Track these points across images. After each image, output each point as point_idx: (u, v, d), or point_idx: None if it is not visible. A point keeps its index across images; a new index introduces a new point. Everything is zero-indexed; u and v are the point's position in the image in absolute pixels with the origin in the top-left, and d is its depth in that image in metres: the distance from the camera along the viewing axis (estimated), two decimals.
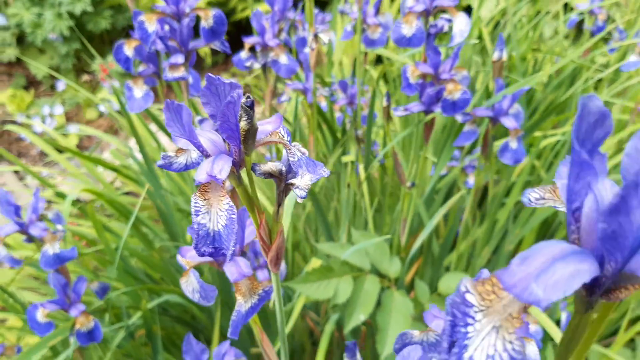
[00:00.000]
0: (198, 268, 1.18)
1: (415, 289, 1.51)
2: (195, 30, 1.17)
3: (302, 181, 0.54)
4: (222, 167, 0.50)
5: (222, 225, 0.49)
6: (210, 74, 0.51)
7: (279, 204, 0.59)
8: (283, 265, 1.53)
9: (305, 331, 1.75)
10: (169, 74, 1.11)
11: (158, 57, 1.25)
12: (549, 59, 2.17)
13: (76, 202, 1.83)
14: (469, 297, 0.33)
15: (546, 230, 1.81)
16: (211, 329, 1.64)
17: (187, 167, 0.59)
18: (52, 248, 1.13)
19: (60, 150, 2.38)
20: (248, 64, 1.41)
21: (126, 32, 5.20)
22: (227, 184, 0.65)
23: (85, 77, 5.26)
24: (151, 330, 1.38)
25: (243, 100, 0.48)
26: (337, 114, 1.84)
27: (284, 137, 0.56)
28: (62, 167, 4.40)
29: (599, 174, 0.32)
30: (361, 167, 1.50)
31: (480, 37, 2.28)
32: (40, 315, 1.17)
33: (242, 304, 0.68)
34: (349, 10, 1.80)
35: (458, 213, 1.92)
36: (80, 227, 1.77)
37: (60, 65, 5.10)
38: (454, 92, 1.13)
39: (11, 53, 5.26)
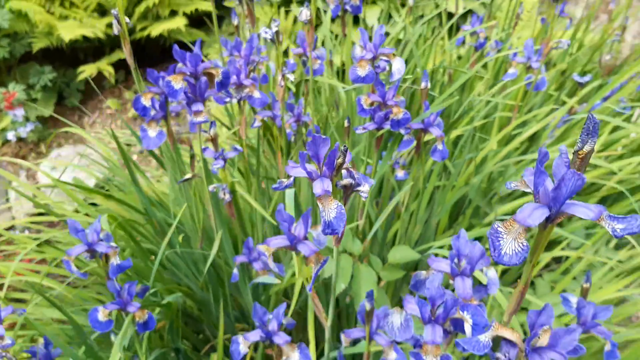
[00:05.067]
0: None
1: (370, 261, 1.95)
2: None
3: (364, 188, 0.95)
4: (327, 185, 0.89)
5: (333, 217, 0.88)
6: (315, 134, 0.89)
7: (345, 202, 0.98)
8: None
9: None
10: (194, 119, 1.44)
11: (166, 106, 1.57)
12: (445, 70, 2.71)
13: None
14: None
15: (458, 210, 2.33)
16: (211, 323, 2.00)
17: (286, 186, 0.97)
18: (115, 260, 1.43)
19: None
20: (227, 100, 1.76)
21: (24, 59, 5.17)
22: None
23: None
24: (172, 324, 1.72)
25: (342, 148, 0.87)
26: (288, 130, 2.23)
27: (349, 166, 0.96)
28: None
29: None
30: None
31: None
32: (101, 315, 1.46)
33: (314, 268, 1.07)
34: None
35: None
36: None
37: None
38: (398, 113, 1.57)
39: None
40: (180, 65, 1.46)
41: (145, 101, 1.54)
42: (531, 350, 0.84)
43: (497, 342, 0.93)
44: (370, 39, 1.79)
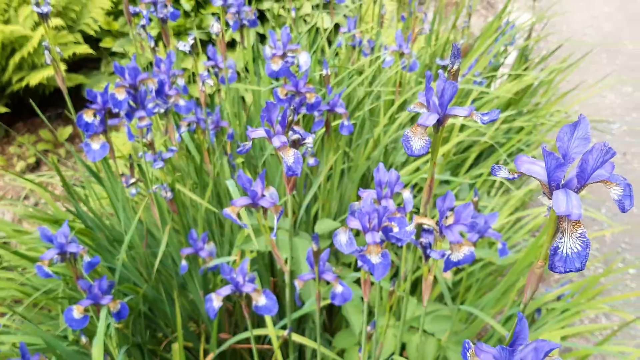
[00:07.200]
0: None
1: (299, 235, 2.25)
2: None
3: (309, 140, 1.25)
4: (283, 139, 1.18)
5: (292, 162, 1.17)
6: (268, 102, 1.18)
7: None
8: (212, 245, 2.13)
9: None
10: (140, 123, 1.67)
11: (106, 120, 1.78)
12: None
13: None
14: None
15: (365, 184, 2.70)
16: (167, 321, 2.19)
17: (247, 149, 1.25)
18: (86, 258, 1.60)
19: None
20: (155, 110, 1.99)
21: None
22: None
23: None
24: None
25: (291, 108, 1.17)
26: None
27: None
28: None
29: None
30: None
31: None
32: (76, 313, 1.63)
33: (275, 218, 1.35)
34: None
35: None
36: None
37: None
38: (311, 98, 1.89)
39: None
40: (119, 79, 1.68)
41: (88, 117, 1.73)
42: (444, 228, 1.18)
43: (419, 232, 1.27)
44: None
